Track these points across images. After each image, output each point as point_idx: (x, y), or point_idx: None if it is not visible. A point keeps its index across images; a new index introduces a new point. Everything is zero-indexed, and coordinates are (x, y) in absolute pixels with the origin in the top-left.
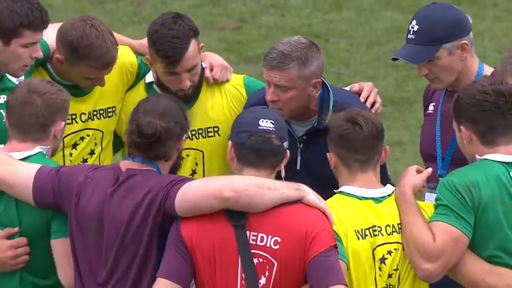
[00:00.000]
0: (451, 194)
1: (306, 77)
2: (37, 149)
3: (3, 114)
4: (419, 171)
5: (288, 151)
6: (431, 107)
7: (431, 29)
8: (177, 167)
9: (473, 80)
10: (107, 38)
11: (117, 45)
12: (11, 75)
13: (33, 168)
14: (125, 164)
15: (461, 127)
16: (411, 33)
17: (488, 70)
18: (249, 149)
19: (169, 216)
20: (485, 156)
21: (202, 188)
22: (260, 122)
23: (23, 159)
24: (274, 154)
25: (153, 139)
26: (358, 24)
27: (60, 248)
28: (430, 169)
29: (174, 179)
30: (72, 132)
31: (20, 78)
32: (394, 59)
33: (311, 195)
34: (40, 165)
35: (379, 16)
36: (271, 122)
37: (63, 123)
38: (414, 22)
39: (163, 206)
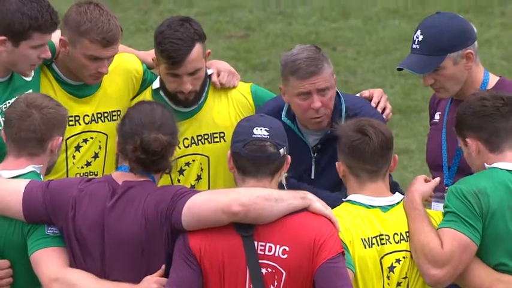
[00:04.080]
0: (459, 201)
1: (333, 73)
2: (29, 167)
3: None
4: (427, 181)
5: (288, 157)
6: (437, 116)
7: (436, 39)
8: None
9: (478, 89)
10: (110, 17)
11: (121, 30)
12: (19, 74)
13: (21, 183)
14: (119, 176)
15: (467, 139)
16: (416, 43)
17: (493, 78)
18: (244, 158)
19: (175, 229)
20: (493, 165)
21: (209, 202)
22: (254, 130)
23: (14, 178)
24: (270, 161)
25: (160, 155)
26: (365, 33)
27: (38, 258)
28: (438, 179)
29: (176, 192)
30: (75, 134)
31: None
32: (399, 69)
33: (317, 204)
34: (29, 180)
35: (386, 24)
36: (265, 130)
37: (61, 138)
38: (419, 32)
39: (170, 220)
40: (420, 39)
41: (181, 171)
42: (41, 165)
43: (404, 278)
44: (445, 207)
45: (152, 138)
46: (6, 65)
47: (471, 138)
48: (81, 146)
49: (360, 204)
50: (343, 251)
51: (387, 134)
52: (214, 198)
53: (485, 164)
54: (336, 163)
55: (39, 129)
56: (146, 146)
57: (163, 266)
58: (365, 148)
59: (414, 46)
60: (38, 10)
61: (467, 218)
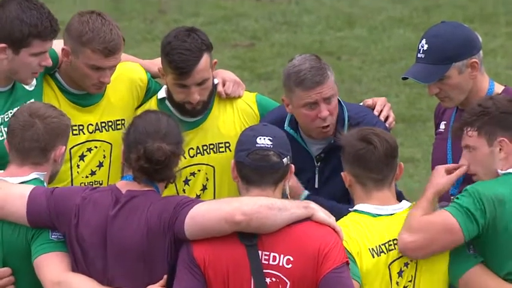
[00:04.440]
0: (472, 199)
1: (335, 80)
2: (33, 175)
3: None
4: (449, 171)
5: (292, 166)
6: (442, 126)
7: (441, 48)
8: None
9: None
10: (112, 27)
11: (123, 40)
12: (20, 82)
13: (26, 188)
14: (123, 185)
15: (503, 139)
16: (421, 52)
17: (498, 88)
18: (248, 168)
19: (178, 239)
20: (509, 170)
21: (212, 212)
22: (258, 140)
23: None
24: (274, 171)
25: (163, 165)
26: (370, 42)
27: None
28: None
29: (179, 202)
30: (79, 144)
31: (32, 83)
32: (404, 78)
33: (320, 213)
34: (33, 185)
35: (392, 34)
36: (269, 139)
37: (64, 147)
38: (424, 41)
39: (173, 230)
40: (425, 48)
41: (186, 181)
42: (45, 173)
43: (410, 282)
44: (454, 199)
45: (155, 148)
46: (7, 73)
47: (509, 139)
48: (86, 155)
49: (367, 213)
50: (347, 261)
51: (392, 142)
52: (217, 208)
53: (498, 170)
54: (342, 173)
55: (42, 138)
56: (149, 155)
57: (165, 276)
58: (370, 157)
59: (419, 55)
60: (38, 17)
61: (471, 214)
